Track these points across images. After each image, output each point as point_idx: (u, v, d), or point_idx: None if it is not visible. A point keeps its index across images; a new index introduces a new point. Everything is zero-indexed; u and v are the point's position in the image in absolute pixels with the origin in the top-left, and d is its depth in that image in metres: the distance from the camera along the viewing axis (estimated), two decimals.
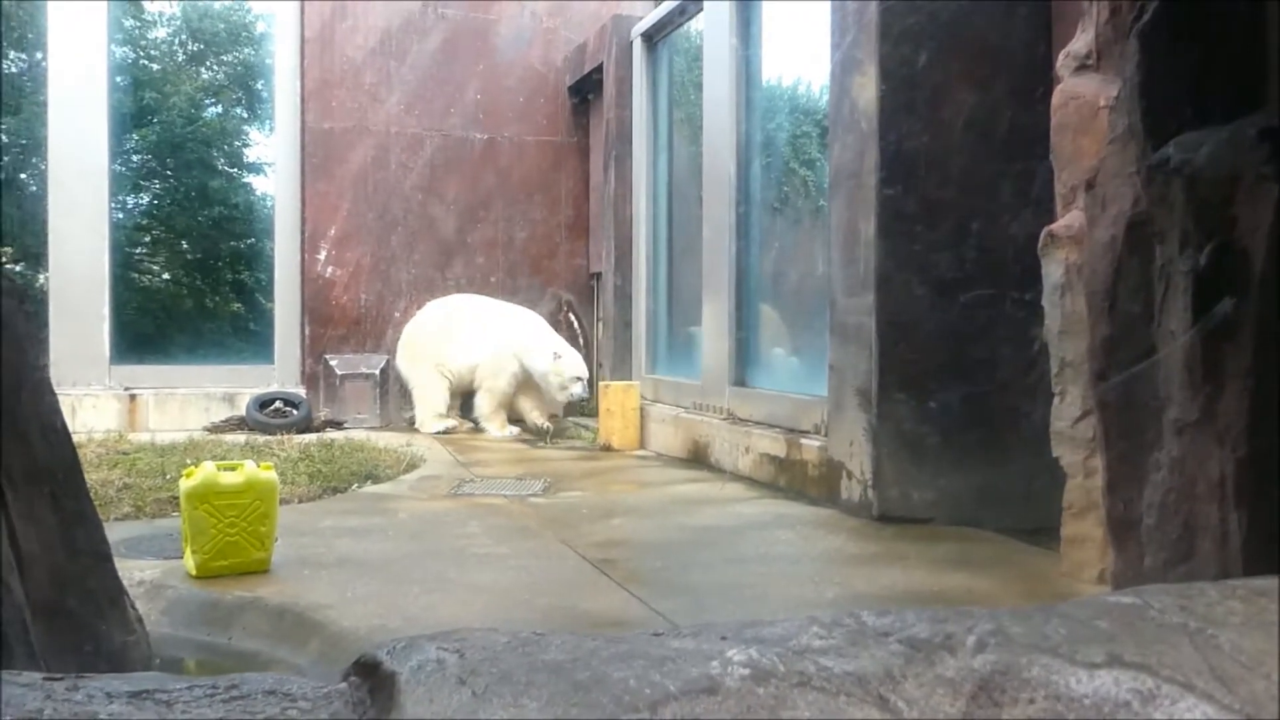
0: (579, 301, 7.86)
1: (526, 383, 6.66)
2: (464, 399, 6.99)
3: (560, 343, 6.68)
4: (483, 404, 6.69)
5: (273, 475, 3.03)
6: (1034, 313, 3.41)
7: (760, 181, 5.50)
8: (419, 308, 7.44)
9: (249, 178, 8.40)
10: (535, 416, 6.71)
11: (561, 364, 6.42)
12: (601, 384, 6.36)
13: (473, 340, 6.78)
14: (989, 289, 3.73)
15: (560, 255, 7.86)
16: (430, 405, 6.83)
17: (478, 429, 6.71)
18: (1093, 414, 2.72)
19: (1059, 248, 2.80)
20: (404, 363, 7.05)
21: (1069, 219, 2.79)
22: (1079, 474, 2.79)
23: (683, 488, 4.64)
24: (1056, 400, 2.85)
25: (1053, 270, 2.83)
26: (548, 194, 7.82)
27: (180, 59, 8.22)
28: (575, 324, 7.94)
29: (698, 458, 5.41)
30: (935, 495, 3.68)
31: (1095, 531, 2.73)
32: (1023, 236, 3.59)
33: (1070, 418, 2.81)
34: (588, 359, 7.96)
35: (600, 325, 7.85)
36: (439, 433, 6.66)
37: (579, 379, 6.43)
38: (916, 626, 0.86)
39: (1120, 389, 1.85)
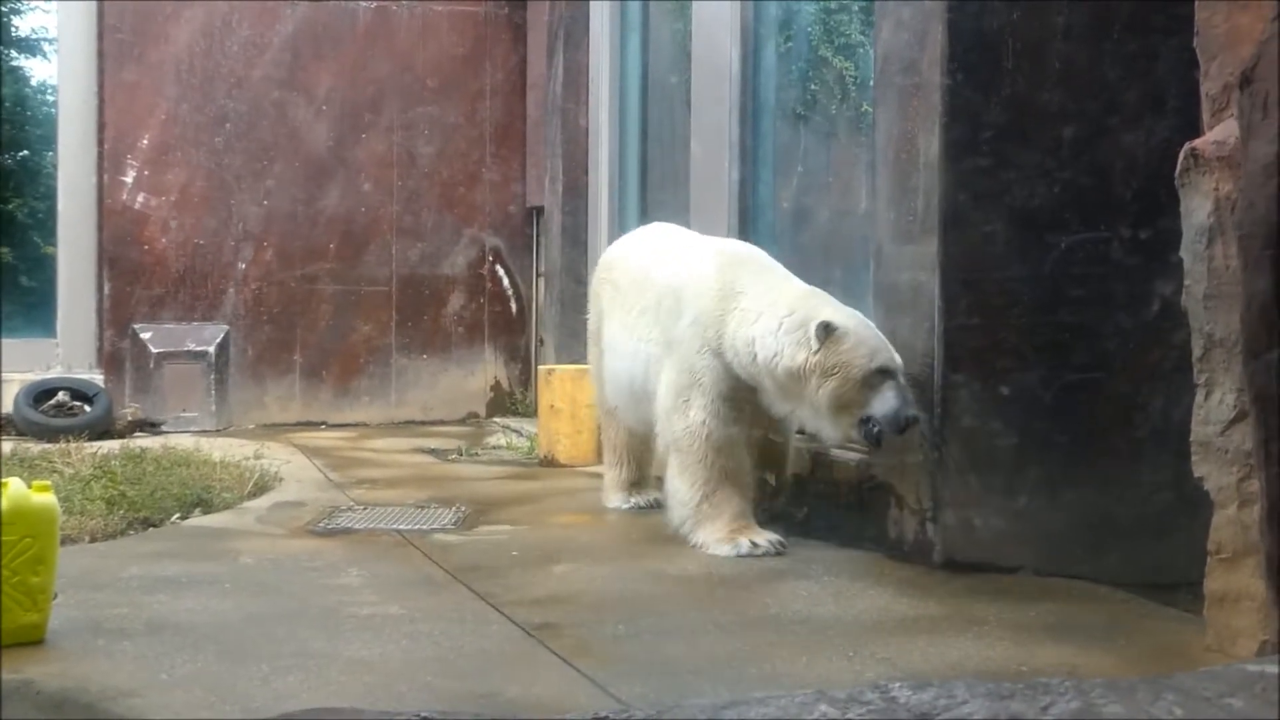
0: (511, 249, 7.84)
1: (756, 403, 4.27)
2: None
3: (829, 301, 4.15)
4: (679, 480, 4.29)
5: (51, 500, 3.01)
6: (1160, 261, 3.44)
7: (775, 76, 5.48)
8: (275, 254, 7.40)
9: (19, 59, 8.28)
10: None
11: (844, 350, 3.91)
12: (542, 369, 6.34)
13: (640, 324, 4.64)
14: (1097, 228, 3.77)
15: (483, 181, 7.82)
16: (609, 467, 5.12)
17: (683, 534, 4.27)
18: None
19: (1205, 174, 2.80)
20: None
21: (1220, 132, 2.78)
22: (1232, 503, 2.80)
23: (659, 519, 4.64)
24: (1200, 395, 2.85)
25: (1196, 207, 2.83)
26: (465, 91, 7.78)
27: None
28: (505, 281, 7.93)
29: None
30: (1020, 528, 3.73)
31: (1255, 585, 2.74)
32: (1151, 155, 3.62)
33: (1220, 421, 2.80)
34: (523, 330, 7.96)
35: (541, 283, 7.84)
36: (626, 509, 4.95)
37: (885, 371, 3.90)
38: (970, 705, 0.87)
39: None
